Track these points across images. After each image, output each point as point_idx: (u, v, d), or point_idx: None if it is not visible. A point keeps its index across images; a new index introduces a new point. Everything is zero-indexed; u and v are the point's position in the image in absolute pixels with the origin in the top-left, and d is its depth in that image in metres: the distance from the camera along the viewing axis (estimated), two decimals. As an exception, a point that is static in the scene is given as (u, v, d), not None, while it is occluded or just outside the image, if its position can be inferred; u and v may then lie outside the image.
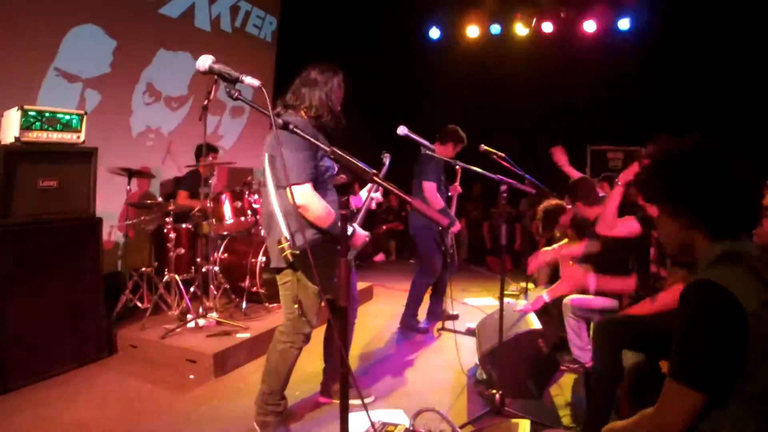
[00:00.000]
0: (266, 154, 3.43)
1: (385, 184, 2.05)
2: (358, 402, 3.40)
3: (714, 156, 1.84)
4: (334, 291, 3.35)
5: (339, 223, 3.19)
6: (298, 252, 3.27)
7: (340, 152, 1.99)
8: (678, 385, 1.70)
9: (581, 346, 4.44)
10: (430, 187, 5.61)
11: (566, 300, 4.45)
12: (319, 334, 4.06)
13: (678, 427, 1.72)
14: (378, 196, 3.66)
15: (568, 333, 4.38)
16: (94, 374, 4.64)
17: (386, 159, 4.03)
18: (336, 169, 3.53)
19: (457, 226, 5.91)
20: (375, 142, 3.92)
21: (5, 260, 4.19)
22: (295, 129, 2.05)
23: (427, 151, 4.71)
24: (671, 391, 1.73)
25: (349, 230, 3.27)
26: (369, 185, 3.73)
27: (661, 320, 3.20)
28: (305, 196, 3.21)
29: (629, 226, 3.92)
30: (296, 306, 3.46)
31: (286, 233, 3.31)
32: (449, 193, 6.01)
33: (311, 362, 4.09)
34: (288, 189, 3.23)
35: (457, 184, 5.99)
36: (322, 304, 3.54)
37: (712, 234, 1.83)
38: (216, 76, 2.04)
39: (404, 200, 2.19)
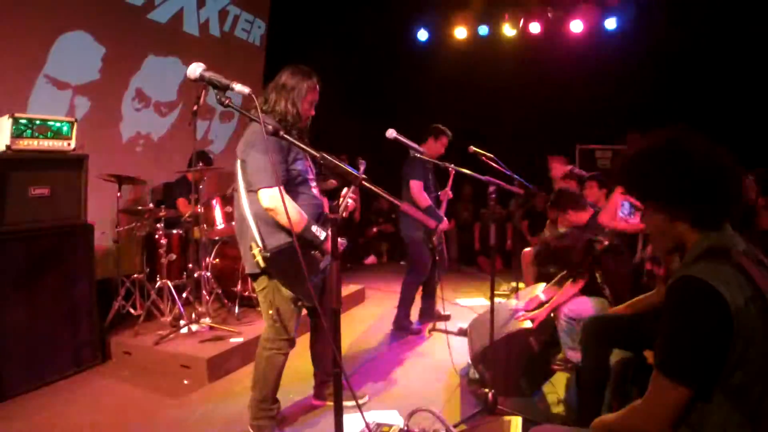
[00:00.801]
0: (238, 159, 3.43)
1: (374, 188, 2.09)
2: (352, 403, 3.45)
3: (686, 147, 1.88)
4: (309, 297, 3.38)
5: (312, 228, 3.21)
6: (268, 255, 3.25)
7: (329, 157, 2.02)
8: (664, 378, 1.74)
9: (573, 347, 4.43)
10: (416, 185, 5.65)
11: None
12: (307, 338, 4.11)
13: (664, 419, 1.77)
14: (350, 202, 3.64)
15: (560, 335, 4.38)
16: (88, 381, 4.65)
17: (362, 165, 4.06)
18: (309, 173, 3.56)
19: (445, 224, 5.95)
20: (364, 144, 3.94)
21: (-3, 269, 4.19)
22: (284, 135, 2.08)
23: (413, 154, 4.74)
24: (657, 385, 1.77)
25: (323, 235, 3.31)
26: (344, 191, 3.75)
27: (649, 318, 3.24)
28: (275, 199, 3.19)
29: (631, 222, 3.97)
30: (271, 312, 3.47)
31: (257, 238, 3.30)
32: (439, 195, 6.04)
33: (305, 363, 4.10)
34: (258, 192, 3.25)
35: (448, 188, 6.02)
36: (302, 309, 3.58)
37: (696, 224, 1.87)
38: (206, 83, 2.06)
39: (394, 203, 2.23)
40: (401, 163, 5.81)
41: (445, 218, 5.94)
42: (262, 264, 3.28)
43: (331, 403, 3.82)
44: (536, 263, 4.34)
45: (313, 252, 3.37)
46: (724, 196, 1.85)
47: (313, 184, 3.57)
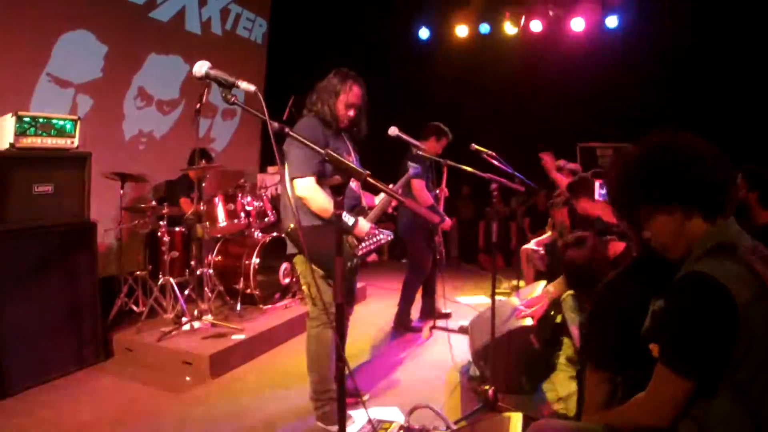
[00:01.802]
0: (284, 150, 3.64)
1: (378, 184, 2.11)
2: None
3: (680, 144, 1.92)
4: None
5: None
6: (292, 230, 3.57)
7: (333, 154, 2.05)
8: (668, 371, 1.76)
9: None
10: (419, 185, 5.66)
11: (565, 295, 4.41)
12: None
13: (667, 412, 1.79)
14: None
15: (571, 329, 4.34)
16: (91, 378, 4.68)
17: (412, 170, 4.23)
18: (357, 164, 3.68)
19: (447, 223, 5.98)
20: (365, 142, 3.96)
21: (1, 266, 4.22)
22: (289, 132, 2.11)
23: (415, 151, 4.76)
24: (661, 377, 1.79)
25: (352, 221, 3.52)
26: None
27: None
28: (307, 189, 3.46)
29: None
30: (309, 291, 3.67)
31: (296, 219, 3.55)
32: (437, 193, 6.06)
33: (297, 358, 4.10)
34: (293, 181, 3.49)
35: (443, 185, 6.04)
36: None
37: (708, 216, 1.89)
38: (212, 82, 2.09)
39: (397, 199, 2.26)
40: (399, 161, 5.82)
41: (446, 217, 5.96)
42: (293, 237, 3.60)
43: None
44: (567, 285, 4.30)
45: (347, 237, 3.57)
46: (725, 187, 1.88)
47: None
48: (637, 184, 1.99)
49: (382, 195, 3.94)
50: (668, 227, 1.95)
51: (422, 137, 5.86)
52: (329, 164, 3.50)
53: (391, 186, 4.04)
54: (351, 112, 3.73)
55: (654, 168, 1.94)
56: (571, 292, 4.33)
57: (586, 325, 3.02)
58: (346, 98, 3.69)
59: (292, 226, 3.59)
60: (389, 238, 3.82)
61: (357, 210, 3.71)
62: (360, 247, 3.62)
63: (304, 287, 3.77)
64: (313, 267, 3.58)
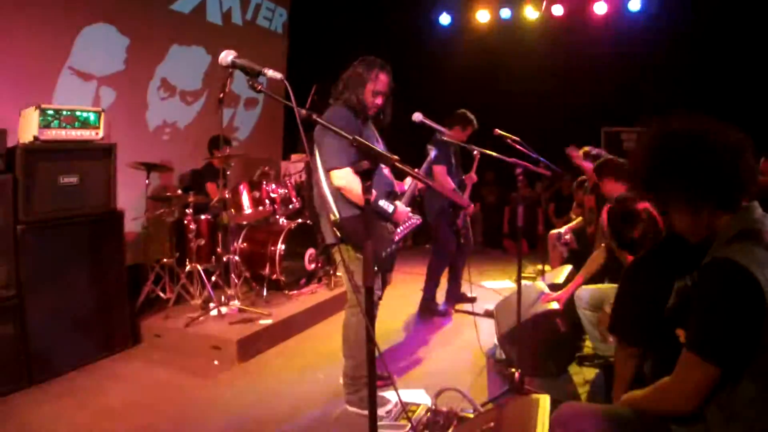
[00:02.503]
0: (315, 141, 3.69)
1: (406, 168, 2.12)
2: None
3: (697, 135, 1.89)
4: (382, 263, 3.70)
5: (379, 202, 3.55)
6: (339, 221, 3.57)
7: (361, 140, 2.05)
8: (694, 356, 1.76)
9: (601, 338, 4.25)
10: (440, 170, 5.67)
11: (578, 291, 4.30)
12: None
13: (692, 397, 1.78)
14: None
15: (585, 326, 4.29)
16: (120, 364, 4.75)
17: (431, 152, 4.25)
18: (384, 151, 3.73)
19: (471, 208, 5.99)
20: (389, 128, 3.97)
21: (29, 256, 4.28)
22: (317, 119, 2.12)
23: (439, 136, 4.76)
24: (687, 362, 1.79)
25: (391, 208, 3.60)
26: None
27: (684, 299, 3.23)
28: (344, 179, 3.50)
29: None
30: (350, 278, 3.66)
31: (335, 210, 3.59)
32: (464, 181, 6.06)
33: (331, 344, 4.11)
34: (328, 173, 3.54)
35: (472, 173, 6.03)
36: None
37: (720, 207, 1.88)
38: (237, 70, 2.11)
39: (425, 183, 2.27)
40: (422, 147, 5.81)
41: (470, 202, 5.96)
42: (338, 233, 3.60)
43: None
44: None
45: (385, 223, 3.66)
46: (739, 174, 1.85)
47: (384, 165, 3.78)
48: (652, 174, 1.99)
49: (410, 180, 3.97)
50: (685, 214, 1.96)
51: (447, 125, 5.85)
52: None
53: (417, 171, 4.06)
54: (378, 100, 3.75)
55: (668, 159, 1.93)
56: (584, 286, 4.29)
57: (614, 302, 3.03)
58: (374, 86, 3.71)
59: (334, 217, 3.61)
60: (420, 222, 3.88)
61: (392, 195, 3.78)
62: (396, 232, 3.72)
63: (343, 275, 3.82)
64: (358, 255, 3.61)
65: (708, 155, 1.85)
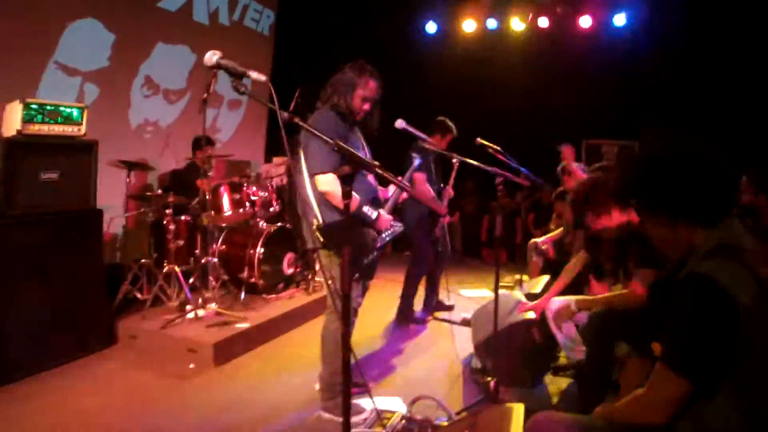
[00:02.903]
0: (302, 144, 3.68)
1: (387, 175, 2.13)
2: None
3: (670, 152, 1.94)
4: (362, 271, 3.73)
5: (363, 208, 3.54)
6: (323, 227, 3.56)
7: (342, 145, 2.06)
8: (667, 370, 1.78)
9: (571, 346, 4.24)
10: (419, 177, 5.69)
11: (549, 302, 4.36)
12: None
13: (665, 410, 1.80)
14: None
15: (556, 334, 4.31)
16: (96, 364, 4.71)
17: (415, 160, 4.26)
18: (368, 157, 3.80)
19: (446, 218, 6.06)
20: (372, 134, 3.98)
21: (7, 252, 4.25)
22: (299, 122, 2.12)
23: (420, 144, 4.77)
24: (660, 376, 1.81)
25: (374, 214, 3.60)
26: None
27: (656, 312, 3.26)
28: (329, 184, 3.48)
29: None
30: (332, 284, 3.67)
31: (318, 216, 3.59)
32: (441, 188, 6.07)
33: (300, 347, 4.09)
34: (313, 177, 3.53)
35: (449, 187, 6.01)
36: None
37: (698, 224, 1.89)
38: (222, 71, 2.10)
39: (405, 190, 2.28)
40: (404, 153, 5.83)
41: (447, 211, 6.00)
42: (321, 238, 3.56)
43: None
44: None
45: (367, 230, 3.66)
46: (721, 191, 1.88)
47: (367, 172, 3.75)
48: (630, 192, 2.03)
49: (393, 187, 3.97)
50: (662, 231, 1.98)
51: (428, 133, 5.88)
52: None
53: (399, 178, 4.08)
54: (366, 106, 3.75)
55: (647, 178, 1.96)
56: (556, 297, 4.30)
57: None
58: (363, 92, 3.71)
59: (316, 222, 3.60)
60: (402, 229, 3.92)
61: (376, 202, 3.78)
62: (379, 239, 3.72)
63: (324, 280, 3.79)
64: (339, 262, 3.58)
65: (691, 171, 1.87)
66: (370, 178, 3.81)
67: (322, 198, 3.56)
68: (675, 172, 1.88)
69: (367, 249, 3.66)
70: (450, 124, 6.03)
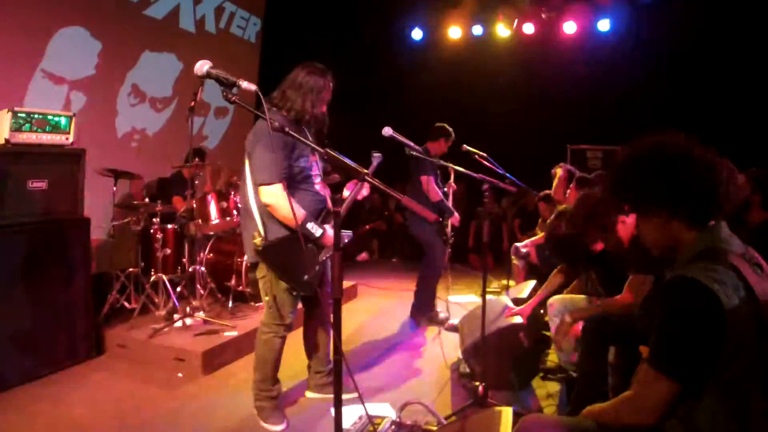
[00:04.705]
0: (246, 151, 3.57)
1: (376, 182, 2.14)
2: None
3: (675, 150, 1.93)
4: (305, 287, 3.56)
5: (307, 224, 3.38)
6: (260, 248, 3.44)
7: (333, 153, 2.08)
8: (655, 372, 1.80)
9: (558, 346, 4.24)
10: (427, 180, 5.75)
11: (551, 300, 4.36)
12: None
13: (653, 411, 1.82)
14: (364, 192, 3.77)
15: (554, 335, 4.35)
16: (84, 374, 4.69)
17: (375, 159, 4.10)
18: (314, 169, 3.67)
19: (456, 218, 6.14)
20: (358, 142, 3.99)
21: (-5, 261, 4.22)
22: (290, 132, 2.13)
23: (413, 153, 4.80)
24: (648, 377, 1.83)
25: (319, 231, 3.46)
26: (349, 184, 3.85)
27: (648, 315, 3.30)
28: (274, 195, 3.34)
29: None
30: (267, 299, 3.64)
31: (260, 229, 3.47)
32: (445, 189, 6.14)
33: (287, 355, 4.11)
34: (257, 187, 3.40)
35: (451, 181, 6.13)
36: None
37: (692, 223, 1.92)
38: (213, 80, 2.12)
39: (394, 197, 2.29)
40: (397, 160, 5.86)
41: (456, 212, 6.11)
42: (259, 252, 3.46)
43: (322, 395, 4.07)
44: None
45: (309, 245, 3.52)
46: (715, 193, 1.89)
47: (317, 180, 3.68)
48: (621, 188, 2.04)
49: (350, 186, 3.83)
50: (655, 225, 2.00)
51: (431, 138, 5.98)
52: (296, 167, 3.48)
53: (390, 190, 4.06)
54: (324, 108, 3.68)
55: (638, 175, 1.98)
56: (559, 297, 4.36)
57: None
58: (328, 94, 3.65)
59: (258, 241, 3.47)
60: (348, 240, 3.65)
61: (324, 213, 3.65)
62: (324, 252, 3.61)
63: (263, 294, 3.69)
64: (278, 280, 3.56)
65: (689, 170, 1.89)
66: (319, 187, 3.68)
67: (266, 210, 3.43)
68: (671, 170, 1.90)
69: (305, 267, 3.49)
70: (450, 129, 6.12)
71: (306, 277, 3.49)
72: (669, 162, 1.92)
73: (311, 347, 4.21)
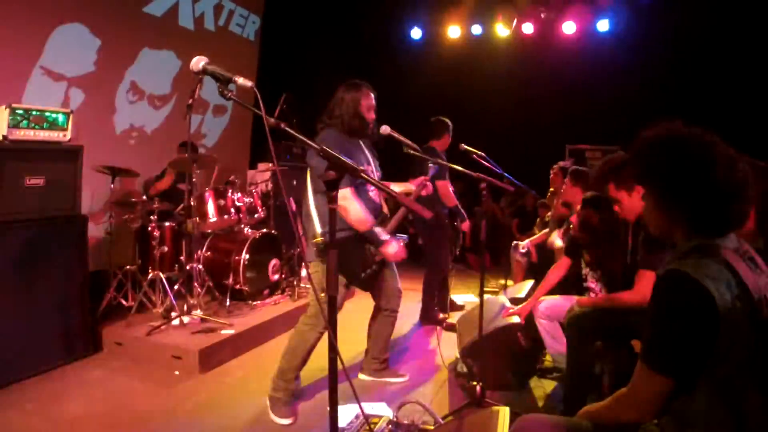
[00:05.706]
0: (308, 161, 3.86)
1: (372, 180, 2.14)
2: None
3: (708, 151, 1.84)
4: (362, 284, 3.99)
5: (375, 229, 3.77)
6: (327, 242, 3.62)
7: (329, 150, 2.07)
8: (648, 369, 1.80)
9: (559, 349, 4.21)
10: (442, 185, 5.77)
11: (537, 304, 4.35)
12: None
13: (648, 408, 1.83)
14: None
15: (543, 336, 4.32)
16: (81, 371, 4.68)
17: (431, 170, 4.39)
18: (375, 172, 4.02)
19: (467, 224, 6.28)
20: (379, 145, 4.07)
21: (-9, 258, 4.21)
22: (285, 128, 2.12)
23: (411, 151, 4.79)
24: (642, 374, 1.83)
25: (384, 237, 3.82)
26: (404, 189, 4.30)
27: (634, 311, 3.29)
28: (345, 200, 3.66)
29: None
30: (322, 294, 3.63)
31: (319, 230, 3.79)
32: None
33: (314, 359, 4.09)
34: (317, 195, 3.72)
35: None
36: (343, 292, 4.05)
37: (693, 230, 1.88)
38: (209, 76, 2.10)
39: (390, 194, 2.29)
40: (396, 159, 5.84)
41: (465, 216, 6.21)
42: (321, 247, 3.73)
43: (373, 378, 4.48)
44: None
45: (367, 246, 3.86)
46: (734, 213, 1.83)
47: (372, 187, 3.96)
48: (638, 166, 1.99)
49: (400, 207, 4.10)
50: (665, 218, 1.94)
51: (435, 136, 5.98)
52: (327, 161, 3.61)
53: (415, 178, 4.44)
54: (372, 114, 3.96)
55: (661, 158, 1.90)
56: (543, 297, 4.34)
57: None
58: (367, 102, 3.92)
59: (319, 236, 3.74)
60: (403, 243, 4.01)
61: (380, 219, 3.93)
62: (379, 254, 3.89)
63: (314, 289, 3.91)
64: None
65: (714, 184, 1.80)
66: (373, 194, 3.97)
67: (328, 213, 3.57)
68: (705, 179, 1.80)
69: (366, 263, 3.85)
70: (448, 120, 6.17)
71: (363, 273, 3.87)
72: (698, 163, 1.82)
73: (371, 335, 4.60)
